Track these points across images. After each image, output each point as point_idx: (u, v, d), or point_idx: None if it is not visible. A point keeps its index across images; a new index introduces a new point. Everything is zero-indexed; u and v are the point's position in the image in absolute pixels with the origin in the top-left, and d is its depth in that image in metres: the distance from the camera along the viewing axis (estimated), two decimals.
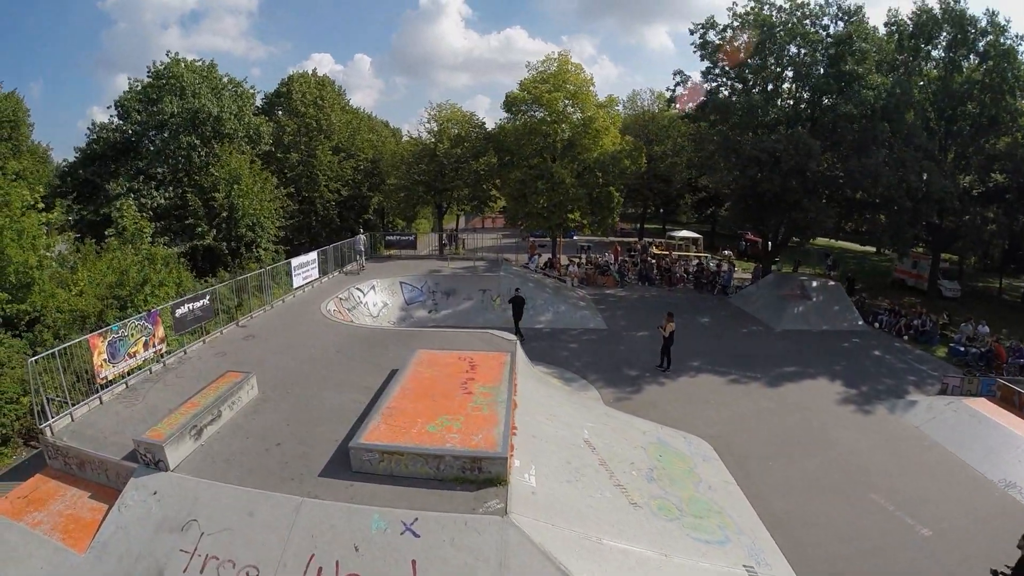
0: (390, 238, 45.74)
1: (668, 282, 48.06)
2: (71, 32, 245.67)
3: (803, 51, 40.80)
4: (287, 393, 17.29)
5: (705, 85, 44.59)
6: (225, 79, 43.89)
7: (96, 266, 25.71)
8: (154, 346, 18.89)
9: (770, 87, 42.75)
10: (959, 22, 40.46)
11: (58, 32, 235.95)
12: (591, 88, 47.04)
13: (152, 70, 41.24)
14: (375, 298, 33.73)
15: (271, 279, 28.44)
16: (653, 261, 52.12)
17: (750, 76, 42.45)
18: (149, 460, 12.77)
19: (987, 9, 40.24)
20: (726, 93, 43.85)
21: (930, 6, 41.56)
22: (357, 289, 32.84)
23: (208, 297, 22.26)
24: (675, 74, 46.59)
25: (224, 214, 37.13)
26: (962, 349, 31.97)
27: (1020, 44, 40.04)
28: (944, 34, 41.43)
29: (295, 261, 30.15)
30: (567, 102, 45.77)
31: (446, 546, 11.12)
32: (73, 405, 15.21)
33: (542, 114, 45.74)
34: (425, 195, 49.56)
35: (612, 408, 22.61)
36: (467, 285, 37.05)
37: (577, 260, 50.75)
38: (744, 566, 13.22)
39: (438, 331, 26.27)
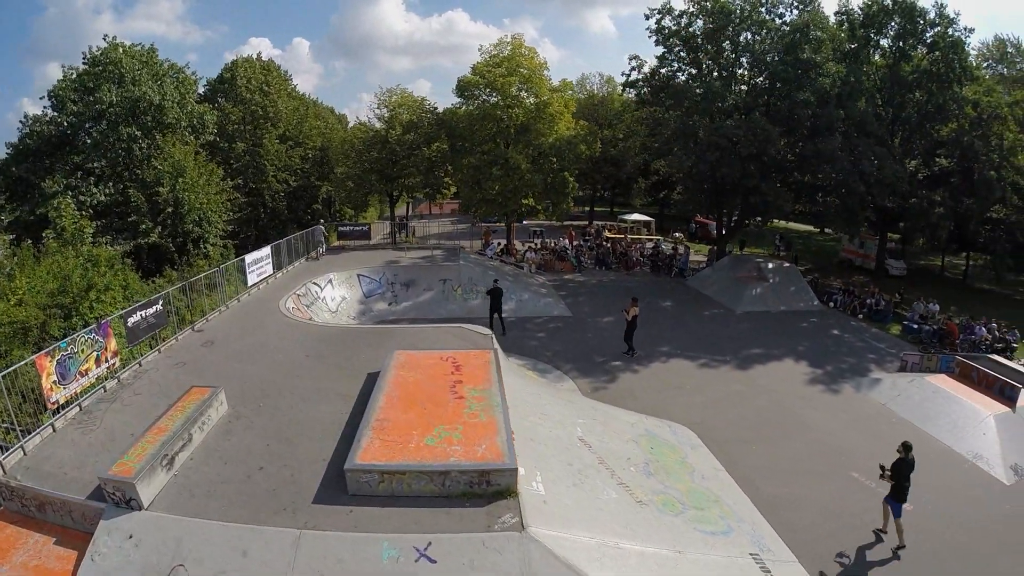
0: (343, 228, 44.09)
1: (625, 266, 47.79)
2: None
3: (760, 38, 41.07)
4: (259, 407, 15.84)
5: (662, 70, 44.41)
6: (166, 65, 41.16)
7: (36, 272, 23.42)
8: (107, 361, 17.14)
9: (726, 73, 42.83)
10: (909, 13, 41.50)
11: None
12: (545, 72, 46.05)
13: (88, 56, 38.28)
14: (333, 292, 32.18)
15: (223, 277, 26.68)
16: (608, 245, 51.69)
17: (707, 62, 42.76)
18: (119, 499, 11.20)
19: (936, 2, 41.43)
20: (682, 79, 43.93)
21: None
22: (314, 284, 31.22)
23: (161, 302, 20.52)
24: (631, 58, 46.34)
25: (169, 209, 34.76)
26: (916, 327, 33.13)
27: (967, 37, 41.68)
28: (894, 24, 42.43)
29: (249, 258, 28.35)
30: (521, 86, 44.71)
31: (466, 570, 10.33)
32: (23, 435, 13.45)
33: (495, 99, 44.57)
34: (377, 183, 47.76)
35: (592, 400, 22.13)
36: (426, 275, 35.79)
37: (533, 246, 49.90)
38: (750, 554, 13.20)
39: (408, 328, 24.96)
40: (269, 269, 30.25)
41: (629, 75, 46.08)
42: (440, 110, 49.08)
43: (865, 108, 39.89)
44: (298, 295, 28.60)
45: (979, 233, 45.29)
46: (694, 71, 43.59)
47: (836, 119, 38.37)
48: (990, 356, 25.88)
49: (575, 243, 52.64)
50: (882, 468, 14.93)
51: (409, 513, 11.27)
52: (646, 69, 45.12)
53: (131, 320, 18.85)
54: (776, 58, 39.96)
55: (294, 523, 10.95)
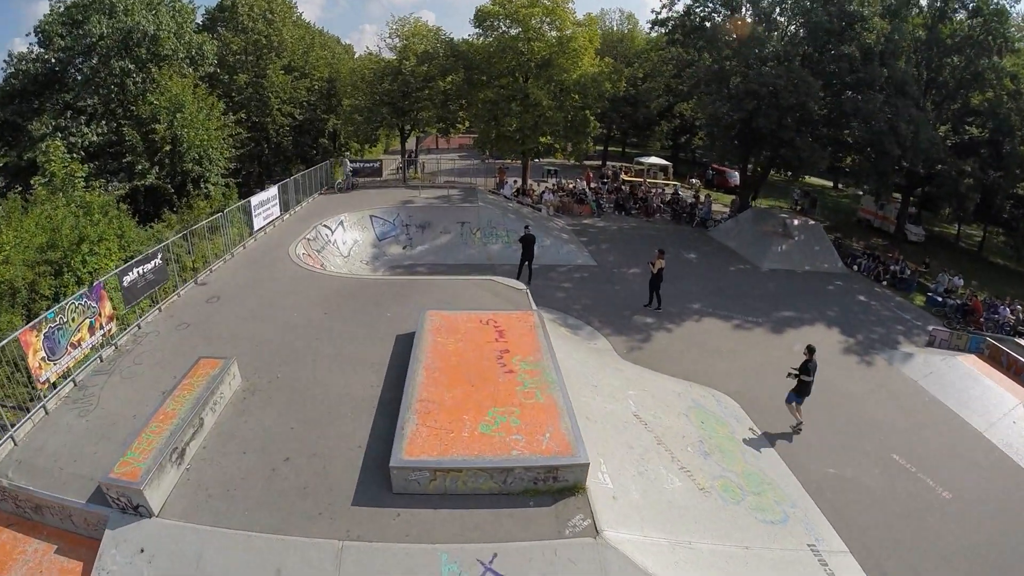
0: (353, 164, 41.54)
1: (645, 212, 45.78)
2: None
3: None
4: (277, 378, 14.12)
5: (697, 9, 41.87)
6: None
7: (23, 225, 21.23)
8: (102, 327, 15.37)
9: (762, 18, 40.52)
10: None
11: None
12: (569, 5, 43.05)
13: None
14: (344, 235, 30.19)
15: (226, 220, 24.73)
16: (627, 190, 49.58)
17: (745, 4, 40.53)
18: (125, 504, 9.53)
19: None
20: (718, 20, 41.56)
21: None
22: (324, 226, 29.17)
23: (160, 255, 18.61)
24: None
25: (167, 148, 32.38)
26: (940, 300, 32.23)
27: (1013, 5, 41.11)
28: None
29: (254, 200, 26.22)
30: (543, 19, 41.85)
31: None
32: (12, 423, 11.71)
33: (516, 31, 41.84)
34: (389, 117, 45.15)
35: (628, 362, 20.57)
36: (443, 217, 33.68)
37: (550, 187, 47.81)
38: (808, 545, 12.63)
39: (433, 280, 22.80)
40: (276, 211, 28.28)
41: (659, 12, 43.64)
42: (455, 41, 46.32)
43: (905, 68, 38.10)
44: (308, 239, 26.62)
45: (1003, 208, 44.05)
46: (732, 14, 41.19)
47: (879, 77, 36.32)
48: (1017, 340, 25.37)
49: (593, 186, 50.59)
50: (791, 370, 16.92)
51: (467, 517, 9.82)
52: (679, 7, 42.68)
53: (127, 278, 16.97)
54: (820, 7, 37.60)
55: (333, 531, 9.38)
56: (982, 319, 30.29)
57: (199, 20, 45.15)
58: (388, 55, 45.98)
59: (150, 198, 33.32)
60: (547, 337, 15.41)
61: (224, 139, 36.10)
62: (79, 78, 34.70)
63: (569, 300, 26.97)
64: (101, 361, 14.99)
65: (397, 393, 12.72)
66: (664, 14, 43.27)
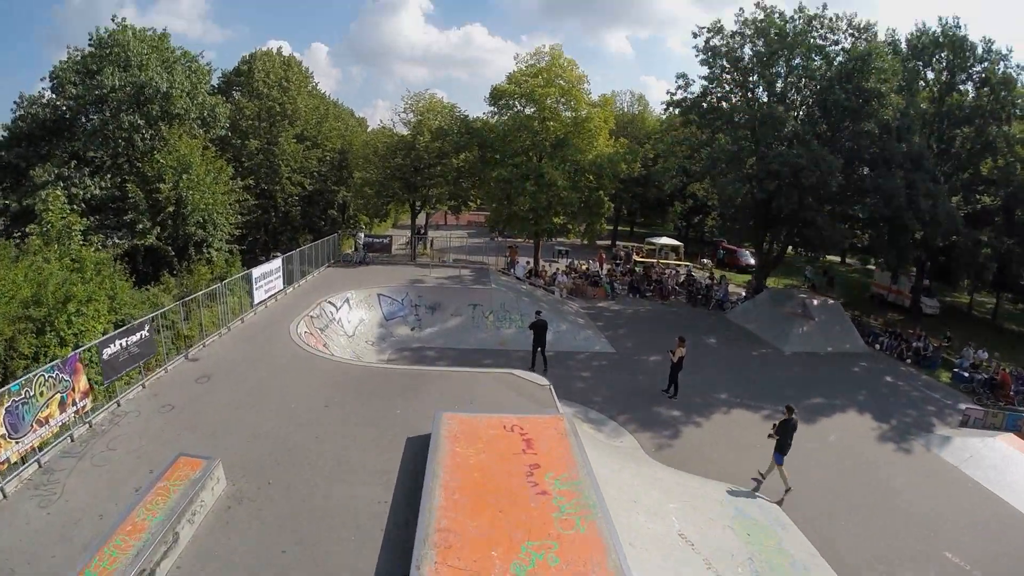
0: (367, 240, 40.00)
1: (660, 295, 44.23)
2: (18, 5, 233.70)
3: (816, 65, 38.51)
4: (269, 484, 12.13)
5: (715, 90, 41.39)
6: (178, 52, 36.79)
7: (10, 275, 19.46)
8: (75, 404, 13.48)
9: (776, 99, 39.89)
10: (960, 47, 40.52)
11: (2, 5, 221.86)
12: (584, 86, 42.45)
13: (94, 38, 33.92)
14: (350, 314, 28.39)
15: (227, 289, 22.88)
16: (641, 271, 48.19)
17: (759, 86, 40.25)
18: None
19: (983, 37, 40.80)
20: (735, 101, 41.12)
21: (931, 28, 41.65)
22: (329, 303, 27.41)
23: (147, 327, 16.69)
24: (678, 77, 42.55)
25: (170, 208, 30.84)
26: (967, 375, 31.21)
27: (1020, 74, 40.01)
28: (941, 57, 41.57)
29: (256, 271, 24.58)
30: (559, 99, 41.14)
31: None
32: None
33: (531, 110, 41.01)
34: (400, 192, 44.02)
35: (662, 465, 18.76)
36: (454, 298, 31.98)
37: (562, 268, 46.34)
38: None
39: (447, 372, 20.71)
40: (279, 284, 26.60)
41: (675, 93, 42.97)
42: (469, 118, 45.42)
43: (920, 142, 37.99)
44: (311, 316, 24.82)
45: (1020, 275, 43.23)
46: (745, 94, 40.93)
47: (897, 152, 35.98)
48: None
49: (607, 268, 49.22)
50: (773, 427, 17.51)
51: None
52: (695, 88, 42.04)
53: (108, 351, 15.13)
54: (837, 86, 37.02)
55: None
56: (1012, 392, 29.41)
57: (214, 82, 44.12)
58: (402, 130, 45.22)
59: (150, 258, 31.59)
60: (581, 447, 13.45)
61: (231, 204, 34.57)
62: (88, 128, 33.32)
63: (589, 391, 25.04)
64: (72, 441, 13.23)
65: (409, 514, 10.74)
66: (679, 95, 42.58)
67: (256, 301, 24.14)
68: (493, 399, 17.40)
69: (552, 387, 18.98)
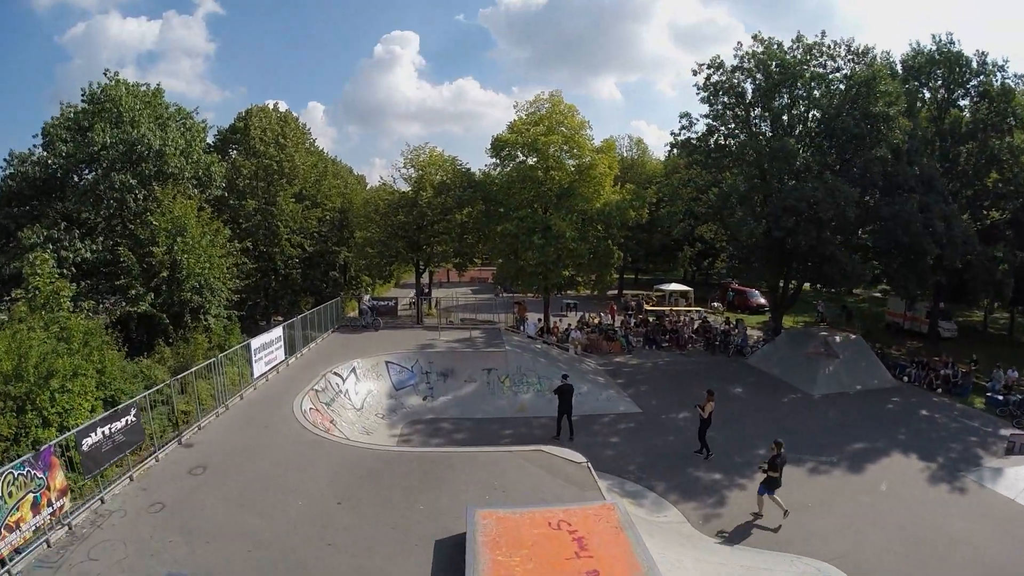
0: (373, 303, 38.11)
1: (677, 344, 42.48)
2: (23, 66, 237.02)
3: (820, 94, 38.07)
4: None
5: (720, 127, 40.45)
6: (172, 108, 35.40)
7: None
8: (50, 504, 11.58)
9: (783, 132, 38.62)
10: (956, 62, 40.51)
11: (9, 65, 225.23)
12: (586, 132, 41.28)
13: (87, 93, 32.61)
14: (357, 385, 26.26)
15: (227, 361, 20.97)
16: (656, 321, 46.43)
17: (765, 120, 39.41)
18: None
19: (977, 51, 40.77)
20: (741, 137, 39.97)
21: (926, 47, 41.74)
22: (335, 374, 25.36)
23: (134, 411, 14.71)
24: (682, 116, 41.49)
25: (165, 273, 28.80)
26: (1000, 398, 30.60)
27: (1018, 84, 40.35)
28: (937, 74, 41.58)
29: (255, 342, 22.64)
30: (562, 146, 39.87)
31: None
32: None
33: (534, 159, 39.78)
34: (404, 251, 42.19)
35: (720, 545, 17.01)
36: (467, 363, 29.88)
37: (575, 323, 44.36)
38: None
39: (472, 454, 18.32)
40: (280, 354, 24.65)
41: (678, 134, 41.91)
42: (471, 171, 44.12)
43: (929, 164, 37.36)
44: (316, 391, 22.72)
45: None
46: (750, 130, 39.78)
47: (910, 176, 35.73)
48: None
49: (621, 319, 47.49)
50: (762, 464, 18.41)
51: None
52: (699, 127, 41.07)
53: (88, 441, 13.16)
54: (844, 112, 36.45)
55: None
56: None
57: (210, 140, 42.67)
58: (403, 186, 43.70)
59: (143, 326, 29.45)
60: (641, 542, 11.54)
61: (228, 268, 32.61)
62: (79, 188, 31.64)
63: (620, 458, 23.04)
64: (48, 547, 11.42)
65: None
66: (683, 135, 41.56)
67: (256, 375, 22.12)
68: (526, 484, 15.42)
69: (590, 464, 16.99)
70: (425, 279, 50.06)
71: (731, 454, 23.34)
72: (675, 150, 44.00)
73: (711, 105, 39.76)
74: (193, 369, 19.18)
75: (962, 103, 41.60)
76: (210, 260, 30.42)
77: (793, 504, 19.28)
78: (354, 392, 25.57)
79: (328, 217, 48.17)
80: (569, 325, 43.88)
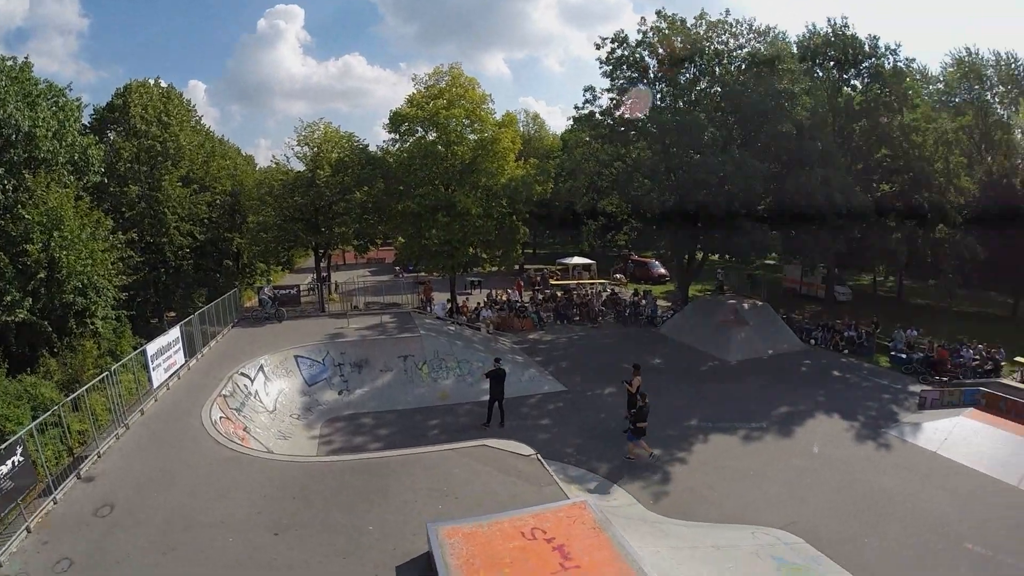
0: (273, 293, 35.06)
1: (587, 318, 42.25)
2: None
3: (724, 70, 39.04)
4: None
5: (627, 101, 40.10)
6: (43, 85, 30.29)
7: None
8: None
9: (685, 106, 39.56)
10: (851, 44, 43.37)
11: None
12: (489, 105, 39.91)
13: None
14: (267, 385, 24.12)
15: (123, 369, 18.79)
16: (564, 296, 46.19)
17: (671, 94, 39.95)
18: None
19: (869, 34, 43.82)
20: (646, 111, 39.89)
21: (821, 28, 44.65)
22: (242, 375, 23.15)
23: (20, 449, 12.62)
24: (586, 90, 41.00)
25: (42, 274, 25.20)
26: (904, 356, 32.64)
27: (909, 65, 44.64)
28: (831, 55, 44.20)
29: (151, 348, 20.05)
30: (464, 120, 38.41)
31: None
32: None
33: (435, 135, 38.19)
34: (302, 235, 39.76)
35: (681, 523, 16.67)
36: (381, 352, 28.14)
37: (484, 302, 43.28)
38: None
39: (409, 458, 16.57)
40: (180, 358, 22.29)
41: (582, 107, 41.44)
42: (369, 148, 42.01)
43: (829, 139, 39.64)
44: (224, 396, 20.56)
45: (925, 255, 46.95)
46: (655, 104, 39.84)
47: (814, 151, 37.03)
48: (1001, 381, 27.21)
49: (530, 295, 46.97)
50: (628, 413, 20.72)
51: None
52: (603, 101, 40.71)
53: None
54: (749, 90, 37.04)
55: None
56: (949, 366, 31.01)
57: (86, 121, 37.91)
58: (297, 165, 41.18)
59: (24, 337, 25.70)
60: (623, 540, 11.14)
61: (113, 263, 29.02)
62: None
63: (556, 441, 22.29)
64: None
65: None
66: (587, 109, 41.18)
67: (156, 384, 19.81)
68: (477, 487, 14.38)
69: (539, 456, 16.29)
70: (323, 263, 47.51)
71: (664, 427, 23.17)
72: (578, 124, 43.86)
73: (612, 79, 39.50)
74: (85, 387, 16.82)
75: (855, 83, 44.35)
76: (92, 256, 27.04)
77: (734, 473, 20.13)
78: (264, 393, 23.47)
79: (218, 201, 44.39)
80: (479, 304, 42.71)
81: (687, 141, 36.92)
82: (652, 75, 39.07)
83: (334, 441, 21.96)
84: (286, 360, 25.87)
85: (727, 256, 49.37)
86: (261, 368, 24.38)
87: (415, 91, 39.17)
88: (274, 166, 43.22)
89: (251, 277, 48.25)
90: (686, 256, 44.17)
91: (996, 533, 16.50)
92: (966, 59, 55.26)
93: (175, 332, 22.30)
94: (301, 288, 36.00)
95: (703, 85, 39.21)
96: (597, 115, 40.62)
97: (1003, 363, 31.60)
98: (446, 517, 12.27)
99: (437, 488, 14.13)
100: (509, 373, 26.90)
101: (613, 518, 13.76)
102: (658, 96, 39.87)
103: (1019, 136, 49.70)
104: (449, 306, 40.79)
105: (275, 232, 39.39)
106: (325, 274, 47.08)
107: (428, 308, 39.38)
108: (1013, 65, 54.12)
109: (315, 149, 40.29)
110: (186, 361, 22.76)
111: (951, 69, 56.00)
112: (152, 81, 42.71)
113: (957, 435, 22.27)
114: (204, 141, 46.17)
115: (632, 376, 22.50)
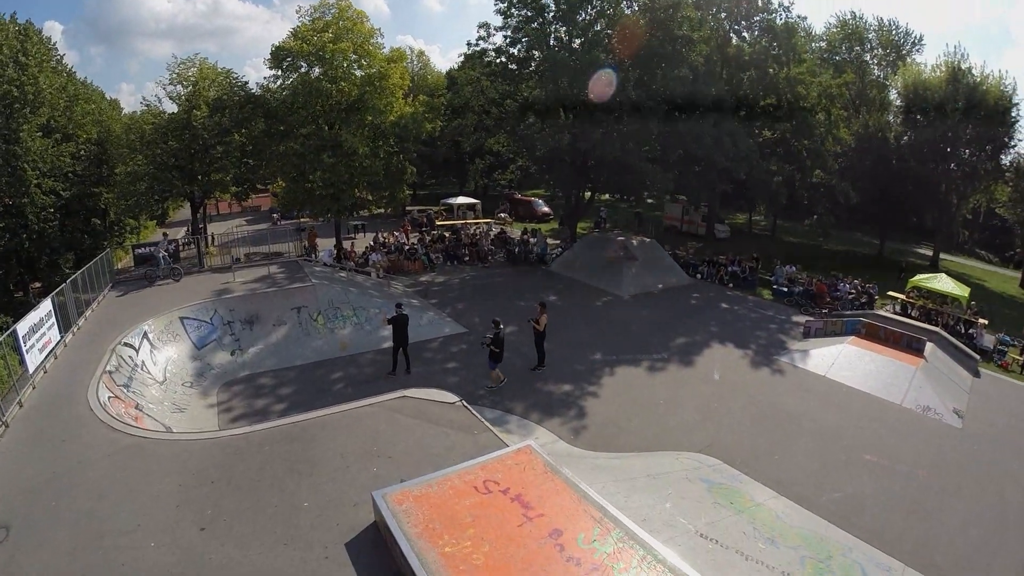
0: (141, 250, 30.69)
1: (478, 257, 41.88)
2: None
3: (621, 12, 38.95)
4: None
5: (523, 38, 39.30)
6: None
7: None
8: None
9: (582, 45, 38.38)
10: None
11: None
12: (378, 39, 37.47)
13: None
14: (155, 353, 21.73)
15: None
16: (454, 236, 45.06)
17: (569, 35, 39.13)
18: None
19: None
20: (543, 51, 39.26)
21: None
22: (126, 346, 20.58)
23: None
24: (480, 27, 39.85)
25: None
26: (786, 290, 35.30)
27: (799, 22, 47.02)
28: (725, 6, 45.33)
29: (22, 327, 17.16)
30: (351, 56, 35.84)
31: None
32: None
33: (320, 70, 35.40)
34: (178, 183, 36.46)
35: (604, 455, 17.41)
36: (272, 305, 26.06)
37: (372, 245, 41.66)
38: None
39: (328, 419, 15.15)
40: (55, 334, 19.70)
41: (476, 44, 40.47)
42: (248, 85, 38.93)
43: (720, 85, 41.09)
44: (109, 373, 18.26)
45: (803, 197, 52.66)
46: (550, 44, 39.18)
47: (707, 96, 38.32)
48: (878, 312, 30.15)
49: (418, 237, 45.80)
50: (484, 340, 20.89)
51: None
52: (496, 39, 40.02)
53: None
54: (650, 35, 37.17)
55: None
56: (828, 299, 33.79)
57: None
58: (171, 107, 37.56)
59: None
60: (575, 480, 11.23)
61: None
62: None
63: (467, 384, 21.79)
64: None
65: None
66: (481, 46, 40.41)
67: (32, 368, 17.57)
68: (410, 442, 13.66)
69: (464, 402, 15.94)
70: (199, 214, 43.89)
71: (572, 362, 24.11)
72: (469, 61, 43.38)
73: (506, 16, 38.59)
74: None
75: (745, 35, 46.21)
76: None
77: (646, 403, 21.12)
78: (152, 363, 21.15)
79: (83, 152, 39.44)
80: (366, 248, 41.04)
81: (583, 81, 36.39)
82: (551, 15, 38.19)
83: (234, 408, 20.22)
84: (171, 323, 23.40)
85: (616, 195, 50.53)
86: (145, 335, 21.86)
87: (300, 24, 36.23)
88: (144, 108, 38.98)
89: (120, 235, 44.13)
90: (573, 195, 44.35)
91: (890, 445, 18.52)
92: (850, 21, 62.76)
93: (47, 305, 19.71)
94: (179, 242, 32.87)
95: (601, 26, 38.25)
96: (491, 52, 39.95)
97: (876, 297, 34.81)
98: (387, 481, 11.45)
99: (367, 449, 13.21)
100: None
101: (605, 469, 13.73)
102: (555, 36, 39.14)
103: (892, 96, 55.29)
104: (336, 252, 38.94)
105: (148, 182, 35.88)
106: (202, 225, 43.39)
107: (314, 255, 37.33)
108: (893, 31, 62.66)
109: (190, 88, 36.83)
110: (62, 337, 20.34)
111: (834, 30, 63.06)
112: (8, 18, 36.92)
113: (842, 360, 24.39)
114: (66, 83, 40.84)
115: (539, 314, 22.54)
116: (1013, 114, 48.66)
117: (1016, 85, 47.37)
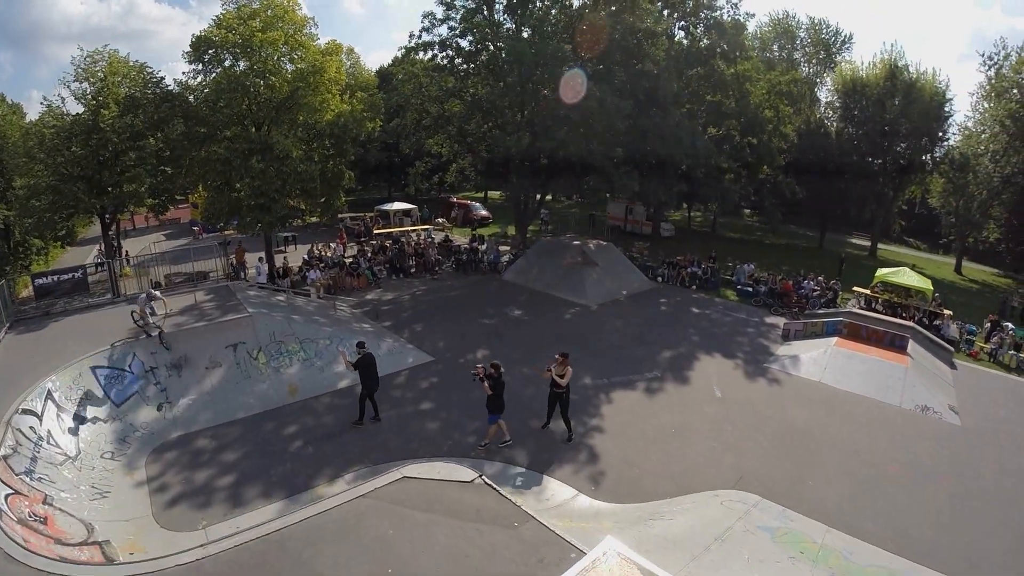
0: (43, 281, 25.07)
1: (424, 268, 38.09)
2: None
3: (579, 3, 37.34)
4: None
5: (472, 32, 36.16)
6: None
7: None
8: None
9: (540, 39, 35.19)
10: None
11: None
12: (312, 30, 32.97)
13: None
14: (62, 419, 16.78)
15: None
16: (396, 246, 40.62)
17: (524, 28, 36.42)
18: None
19: None
20: (495, 44, 36.28)
21: None
22: (25, 413, 15.78)
23: None
24: (424, 16, 36.60)
25: None
26: (750, 290, 34.51)
27: (748, 19, 45.95)
28: (674, 4, 43.88)
29: None
30: (283, 47, 31.24)
31: None
32: None
33: (246, 64, 30.65)
34: (84, 197, 30.79)
35: (631, 505, 15.00)
36: (202, 342, 21.10)
37: (307, 260, 36.97)
38: None
39: (311, 522, 11.06)
40: None
41: (419, 36, 37.10)
42: (165, 82, 33.46)
43: (678, 84, 39.79)
44: (5, 458, 13.65)
45: (750, 193, 52.62)
46: (497, 35, 36.34)
47: (670, 92, 37.28)
48: (854, 311, 29.87)
49: (357, 249, 41.32)
50: (481, 379, 16.50)
51: None
52: (441, 30, 36.76)
53: None
54: (611, 28, 34.67)
55: None
56: (795, 297, 33.09)
57: None
58: (75, 107, 31.86)
59: None
60: None
61: None
62: None
63: (451, 429, 18.70)
64: None
65: None
66: (425, 38, 37.01)
67: None
68: (439, 555, 10.42)
69: (484, 477, 13.06)
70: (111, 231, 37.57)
71: None
72: (409, 56, 39.95)
73: (448, 8, 35.83)
74: None
75: (692, 31, 44.70)
76: None
77: (655, 433, 18.96)
78: (60, 432, 16.32)
79: None
80: (303, 263, 36.35)
81: (543, 75, 33.79)
82: (502, 5, 35.75)
83: (169, 485, 15.74)
84: (81, 376, 18.33)
85: (579, 198, 49.56)
86: (49, 395, 16.99)
87: (224, 11, 31.18)
88: (46, 110, 32.39)
89: (26, 259, 38.05)
90: (525, 198, 41.35)
91: (905, 452, 18.21)
92: (782, 20, 64.84)
93: None
94: (87, 267, 27.24)
95: (555, 19, 35.66)
96: (435, 45, 36.64)
97: (840, 292, 34.30)
98: None
99: (380, 574, 9.47)
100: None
101: (564, 521, 11.46)
102: (506, 28, 36.67)
103: (823, 94, 59.78)
104: (266, 270, 33.79)
105: (49, 196, 30.29)
106: (116, 244, 36.98)
107: (243, 275, 32.54)
108: (824, 31, 64.58)
109: (97, 84, 31.40)
110: None
111: (766, 28, 64.87)
112: None
113: (833, 364, 23.87)
114: None
115: (558, 364, 17.39)
116: (947, 109, 51.33)
117: (950, 82, 51.21)
